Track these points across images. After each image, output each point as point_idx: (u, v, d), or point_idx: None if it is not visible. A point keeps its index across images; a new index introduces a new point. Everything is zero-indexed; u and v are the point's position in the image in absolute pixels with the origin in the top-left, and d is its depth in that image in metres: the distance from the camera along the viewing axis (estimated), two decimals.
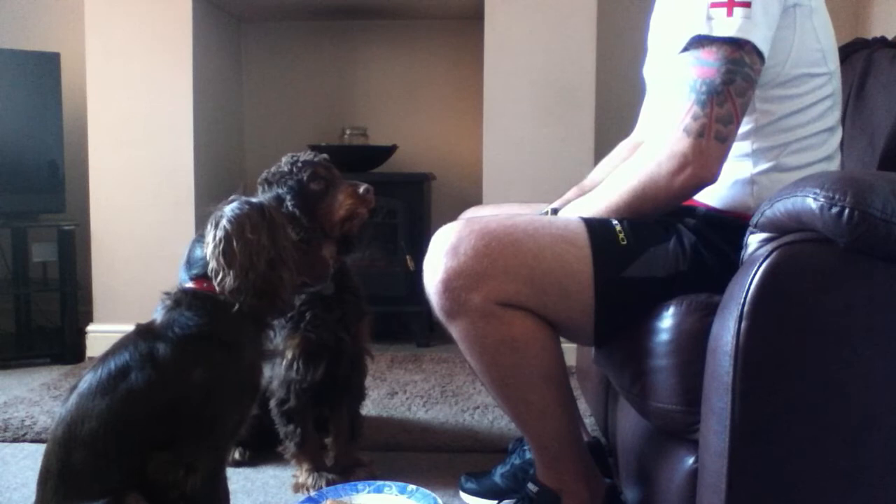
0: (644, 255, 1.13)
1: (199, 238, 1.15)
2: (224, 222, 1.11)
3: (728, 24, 1.07)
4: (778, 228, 0.94)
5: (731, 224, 1.14)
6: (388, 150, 3.00)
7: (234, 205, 1.13)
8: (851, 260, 0.89)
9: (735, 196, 1.17)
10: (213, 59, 2.91)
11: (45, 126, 2.72)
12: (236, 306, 1.10)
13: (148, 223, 2.68)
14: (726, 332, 0.92)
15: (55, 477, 1.06)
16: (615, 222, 1.15)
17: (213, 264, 1.09)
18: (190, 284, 1.14)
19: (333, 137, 3.06)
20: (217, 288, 1.09)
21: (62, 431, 1.06)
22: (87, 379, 1.08)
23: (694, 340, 1.03)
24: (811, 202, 0.88)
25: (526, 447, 1.51)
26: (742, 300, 0.90)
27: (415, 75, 3.22)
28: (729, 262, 1.10)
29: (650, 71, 1.37)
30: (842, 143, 1.27)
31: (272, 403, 1.59)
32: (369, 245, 2.91)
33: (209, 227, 1.12)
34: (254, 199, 1.16)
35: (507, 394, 1.21)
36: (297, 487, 1.57)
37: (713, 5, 1.08)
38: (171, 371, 1.06)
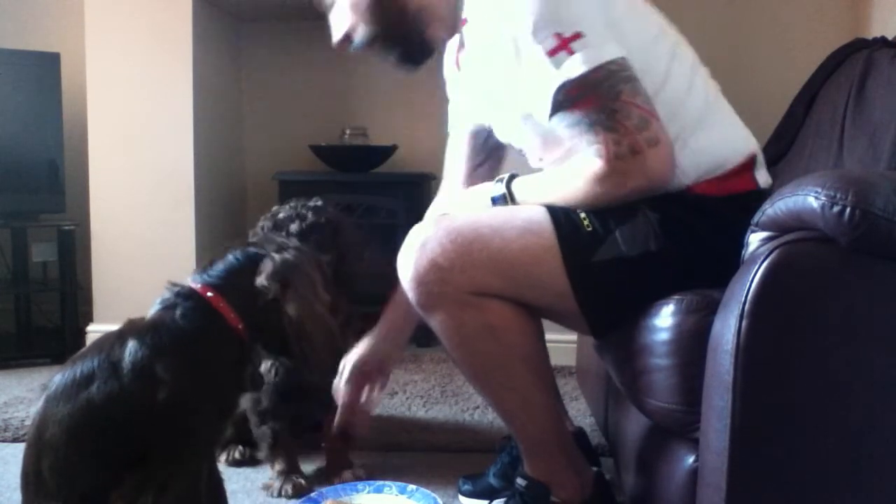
0: (610, 237, 1.14)
1: (241, 255, 1.12)
2: (289, 270, 1.09)
3: (576, 62, 1.08)
4: (779, 227, 0.94)
5: (683, 199, 1.15)
6: (388, 150, 3.00)
7: (295, 250, 1.13)
8: (853, 259, 0.89)
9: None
10: (213, 59, 2.91)
11: (45, 126, 2.72)
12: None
13: (148, 223, 2.68)
14: (727, 330, 0.92)
15: (33, 481, 1.03)
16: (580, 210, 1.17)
17: (295, 323, 1.08)
18: (197, 286, 1.09)
19: (333, 137, 3.05)
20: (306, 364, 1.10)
21: (32, 435, 1.04)
22: (56, 380, 1.04)
23: (695, 339, 1.03)
24: (812, 201, 0.87)
25: (513, 443, 1.53)
26: (743, 299, 0.90)
27: (415, 75, 3.21)
28: (697, 235, 1.13)
29: (514, 137, 1.35)
30: (842, 139, 1.27)
31: (248, 405, 1.59)
32: (369, 245, 2.91)
33: (267, 266, 1.10)
34: (305, 249, 1.16)
35: (491, 383, 1.23)
36: (266, 487, 1.57)
37: (551, 53, 1.08)
38: (135, 386, 1.00)
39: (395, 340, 1.55)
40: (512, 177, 1.27)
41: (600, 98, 1.08)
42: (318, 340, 1.11)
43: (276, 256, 1.12)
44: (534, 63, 1.12)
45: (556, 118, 1.13)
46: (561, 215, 1.17)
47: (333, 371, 1.52)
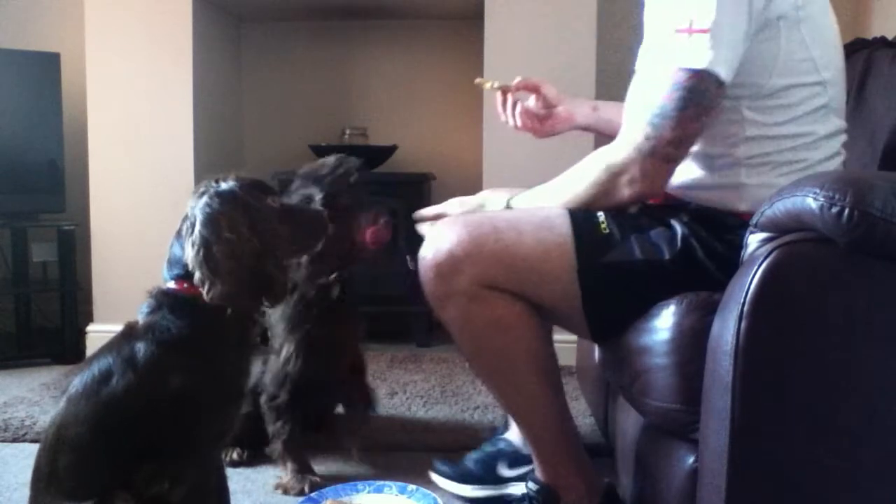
0: (624, 242, 1.16)
1: (179, 235, 1.10)
2: (199, 226, 1.05)
3: (686, 53, 1.09)
4: (778, 228, 0.94)
5: (721, 219, 1.16)
6: (388, 150, 3.01)
7: (204, 201, 1.07)
8: (851, 259, 0.89)
9: (725, 198, 1.18)
10: (213, 59, 2.91)
11: (45, 126, 2.72)
12: (228, 311, 1.06)
13: (148, 223, 2.67)
14: (726, 331, 0.92)
15: (45, 479, 1.05)
16: (598, 212, 1.19)
17: (197, 274, 1.04)
18: (171, 285, 1.10)
19: (333, 137, 3.05)
20: (206, 297, 1.04)
21: (51, 435, 1.06)
22: (76, 382, 1.07)
23: (694, 339, 1.03)
24: (811, 202, 0.88)
25: (500, 437, 1.56)
26: (742, 300, 0.90)
27: (415, 75, 3.22)
28: (718, 254, 1.13)
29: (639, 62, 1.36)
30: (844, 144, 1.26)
31: (262, 399, 1.60)
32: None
33: (185, 228, 1.08)
34: (223, 187, 1.09)
35: (498, 379, 1.26)
36: (279, 487, 1.57)
37: (678, 31, 1.10)
38: (149, 376, 1.03)
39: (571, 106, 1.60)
40: (513, 197, 1.33)
41: (672, 99, 1.10)
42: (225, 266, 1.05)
43: (192, 215, 1.08)
44: (664, 16, 1.14)
45: (648, 72, 1.18)
46: (579, 215, 1.19)
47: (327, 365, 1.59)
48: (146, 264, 2.61)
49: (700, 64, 1.08)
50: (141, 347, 1.04)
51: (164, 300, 1.08)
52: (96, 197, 2.70)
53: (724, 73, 1.09)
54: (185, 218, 1.09)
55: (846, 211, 0.85)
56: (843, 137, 1.23)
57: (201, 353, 1.07)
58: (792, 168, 1.16)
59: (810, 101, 1.16)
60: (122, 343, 1.07)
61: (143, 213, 2.68)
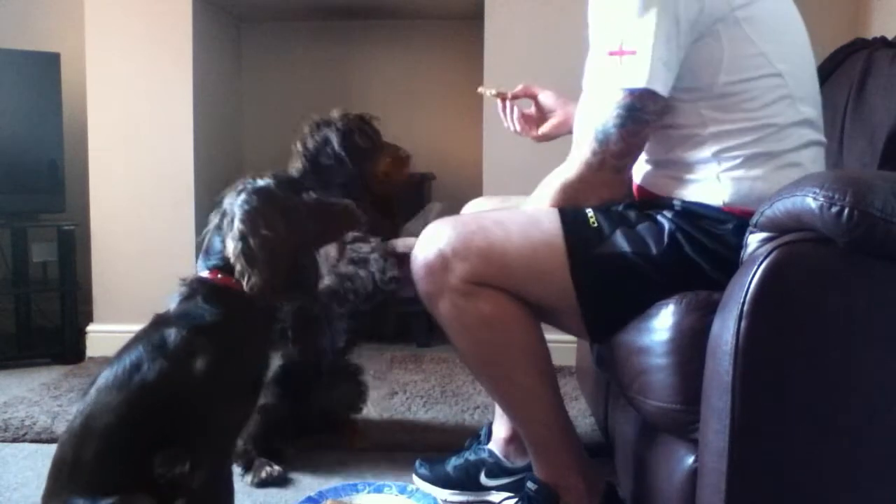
0: (614, 235, 1.18)
1: (218, 228, 1.15)
2: (237, 223, 1.10)
3: (621, 73, 1.14)
4: (778, 228, 0.94)
5: (706, 214, 1.17)
6: None
7: (242, 198, 1.12)
8: (851, 259, 0.90)
9: (706, 192, 1.19)
10: (213, 59, 2.91)
11: (45, 126, 2.71)
12: (266, 301, 1.11)
13: (148, 223, 2.68)
14: (726, 331, 0.92)
15: (69, 469, 1.06)
16: (587, 208, 1.22)
17: (238, 267, 1.09)
18: (206, 274, 1.14)
19: None
20: (246, 288, 1.09)
21: (79, 424, 1.07)
22: (105, 374, 1.09)
23: (694, 339, 1.03)
24: (811, 202, 0.88)
25: (482, 445, 1.57)
26: (742, 299, 0.90)
27: (415, 75, 3.22)
28: (705, 249, 1.14)
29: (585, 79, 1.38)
30: (841, 139, 1.26)
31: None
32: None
33: (224, 222, 1.12)
34: (259, 184, 1.15)
35: (493, 374, 1.27)
36: None
37: (610, 53, 1.15)
38: (178, 360, 1.07)
39: (568, 110, 1.62)
40: None
41: (613, 117, 1.15)
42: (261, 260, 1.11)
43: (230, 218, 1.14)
44: (599, 37, 1.20)
45: (590, 89, 1.28)
46: (569, 210, 1.21)
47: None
48: (146, 264, 2.64)
49: (635, 83, 1.13)
50: (172, 333, 1.08)
51: (199, 288, 1.12)
52: (96, 197, 2.70)
53: (661, 88, 1.13)
54: (223, 213, 1.14)
55: (846, 211, 0.85)
56: (817, 125, 1.24)
57: (230, 341, 1.10)
58: (761, 159, 1.17)
59: (770, 92, 1.17)
60: (152, 332, 1.10)
61: (143, 213, 2.68)
